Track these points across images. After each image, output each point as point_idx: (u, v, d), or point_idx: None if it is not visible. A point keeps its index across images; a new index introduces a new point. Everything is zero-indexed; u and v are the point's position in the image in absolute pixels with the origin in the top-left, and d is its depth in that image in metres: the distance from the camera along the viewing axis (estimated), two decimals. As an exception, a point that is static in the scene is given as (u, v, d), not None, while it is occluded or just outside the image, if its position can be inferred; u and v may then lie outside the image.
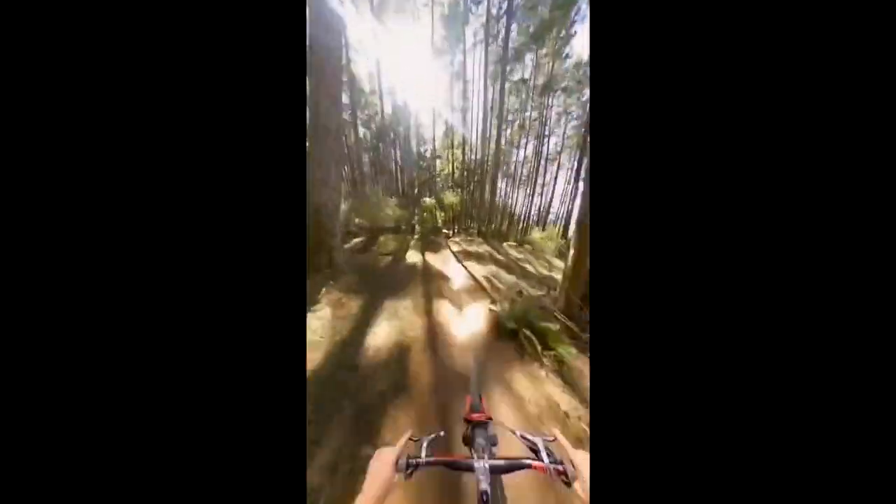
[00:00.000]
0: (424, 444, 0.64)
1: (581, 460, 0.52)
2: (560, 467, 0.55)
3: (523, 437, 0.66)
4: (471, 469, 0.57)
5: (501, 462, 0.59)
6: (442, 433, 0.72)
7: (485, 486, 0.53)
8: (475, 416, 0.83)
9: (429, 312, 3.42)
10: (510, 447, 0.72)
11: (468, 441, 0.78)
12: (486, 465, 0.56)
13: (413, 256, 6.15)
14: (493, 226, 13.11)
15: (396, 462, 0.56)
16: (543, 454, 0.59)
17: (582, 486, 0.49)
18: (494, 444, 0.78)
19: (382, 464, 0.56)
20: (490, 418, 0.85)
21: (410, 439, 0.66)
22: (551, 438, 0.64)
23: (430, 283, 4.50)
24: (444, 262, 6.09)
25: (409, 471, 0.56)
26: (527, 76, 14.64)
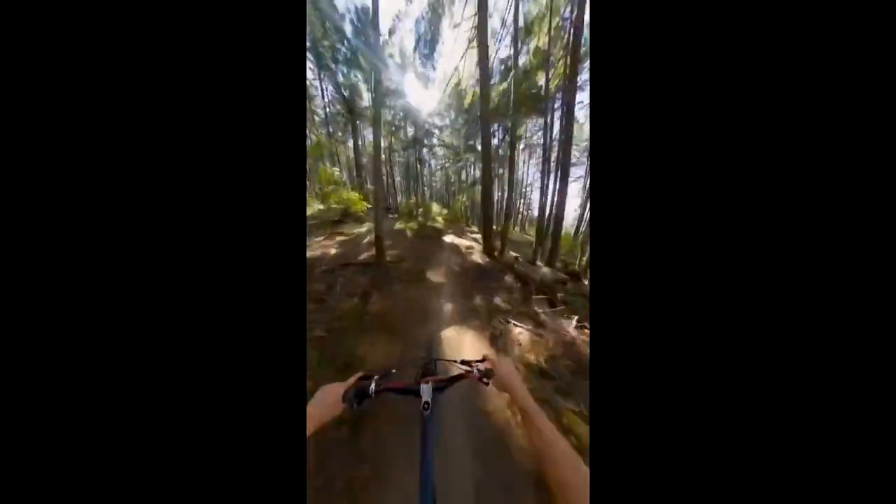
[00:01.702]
0: (374, 379, 0.69)
1: (499, 364, 0.68)
2: (483, 371, 0.69)
3: (462, 363, 0.78)
4: (417, 392, 0.67)
5: (442, 379, 0.72)
6: (393, 370, 0.78)
7: (427, 398, 0.65)
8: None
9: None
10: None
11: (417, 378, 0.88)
12: (430, 385, 0.68)
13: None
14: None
15: (344, 395, 0.62)
16: (475, 369, 0.72)
17: (496, 383, 0.66)
18: (436, 370, 0.94)
19: (326, 395, 0.62)
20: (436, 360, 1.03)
21: (360, 378, 0.70)
22: (481, 359, 0.75)
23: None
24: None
25: (355, 401, 0.62)
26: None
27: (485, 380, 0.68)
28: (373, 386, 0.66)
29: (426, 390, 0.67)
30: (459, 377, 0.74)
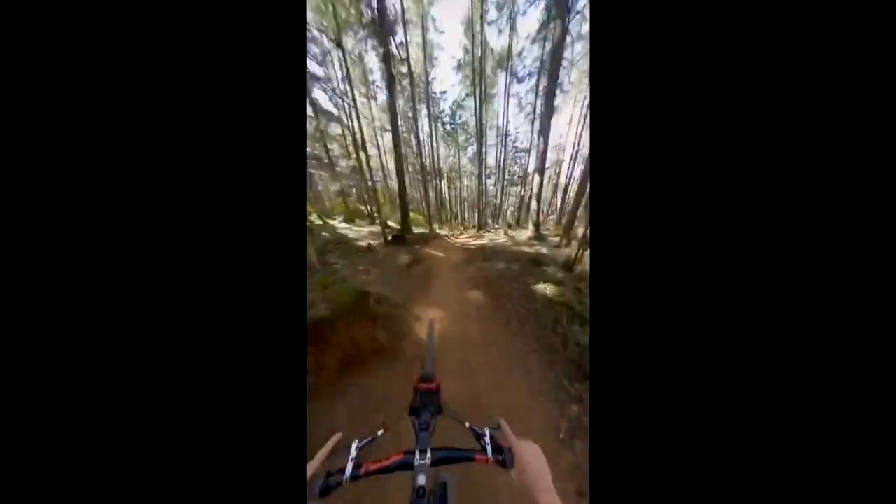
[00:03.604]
0: (353, 451, 0.56)
1: (523, 448, 0.51)
2: (500, 457, 0.53)
3: (472, 429, 0.63)
4: (409, 467, 0.52)
5: (443, 455, 0.55)
6: (380, 433, 0.65)
7: (421, 481, 0.49)
8: (424, 385, 0.81)
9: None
10: (462, 437, 0.63)
11: (414, 411, 0.74)
12: (427, 462, 0.52)
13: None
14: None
15: (309, 484, 0.47)
16: (488, 445, 0.57)
17: (518, 474, 0.48)
18: (439, 412, 0.74)
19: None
20: (438, 386, 0.82)
21: (336, 446, 0.57)
22: (496, 426, 0.61)
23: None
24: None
25: (322, 494, 0.48)
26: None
27: (502, 466, 0.52)
28: (347, 473, 0.51)
29: (421, 468, 0.51)
30: (468, 458, 0.55)
